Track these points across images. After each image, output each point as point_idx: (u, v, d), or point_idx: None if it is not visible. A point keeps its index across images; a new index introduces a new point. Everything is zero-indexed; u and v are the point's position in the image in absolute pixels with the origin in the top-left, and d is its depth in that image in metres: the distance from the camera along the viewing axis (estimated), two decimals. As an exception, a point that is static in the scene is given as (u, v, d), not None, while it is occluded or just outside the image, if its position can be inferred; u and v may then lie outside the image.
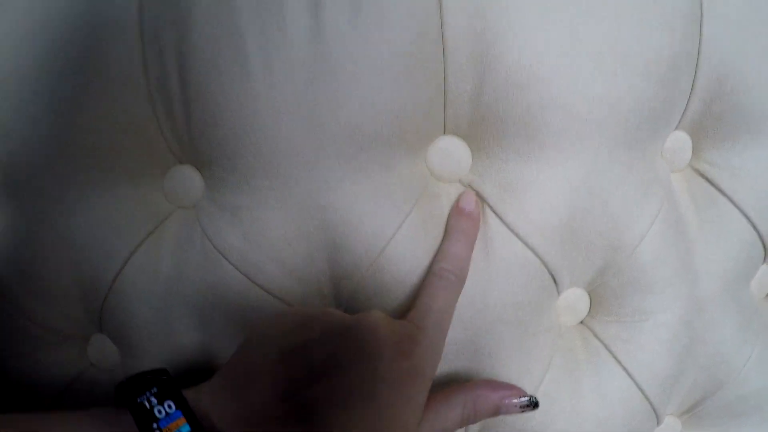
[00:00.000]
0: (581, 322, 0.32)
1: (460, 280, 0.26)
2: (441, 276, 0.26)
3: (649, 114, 0.28)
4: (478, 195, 0.28)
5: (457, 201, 0.27)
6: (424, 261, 0.27)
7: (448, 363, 0.27)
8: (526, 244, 0.27)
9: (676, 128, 0.31)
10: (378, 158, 0.26)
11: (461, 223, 0.27)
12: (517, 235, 0.27)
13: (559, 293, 0.29)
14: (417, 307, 0.25)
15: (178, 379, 0.21)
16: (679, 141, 0.32)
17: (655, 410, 0.32)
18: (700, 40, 0.29)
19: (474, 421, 0.26)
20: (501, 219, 0.27)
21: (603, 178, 0.28)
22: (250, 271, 0.26)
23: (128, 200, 0.28)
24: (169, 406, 0.18)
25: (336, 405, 0.19)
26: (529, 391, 0.28)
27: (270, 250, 0.26)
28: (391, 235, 0.26)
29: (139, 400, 0.18)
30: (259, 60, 0.25)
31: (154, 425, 0.17)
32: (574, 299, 0.31)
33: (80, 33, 0.27)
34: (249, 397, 0.20)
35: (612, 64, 0.27)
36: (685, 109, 0.30)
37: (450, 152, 0.28)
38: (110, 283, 0.28)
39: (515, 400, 0.26)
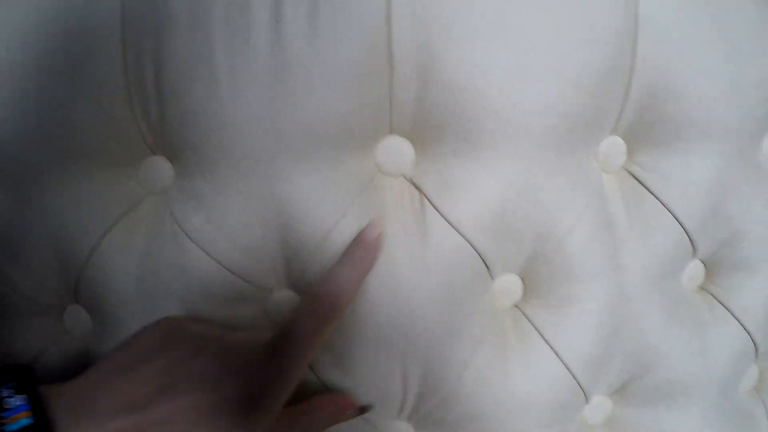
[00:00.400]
0: (516, 305, 0.35)
1: (335, 308, 0.27)
2: (311, 302, 0.27)
3: (580, 122, 0.31)
4: (419, 189, 0.31)
5: (363, 229, 0.29)
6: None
7: (384, 337, 0.30)
8: (459, 232, 0.30)
9: (611, 133, 0.34)
10: (327, 154, 0.29)
11: (357, 252, 0.28)
12: (451, 224, 0.30)
13: (492, 278, 0.33)
14: (280, 331, 0.26)
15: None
16: (613, 145, 0.35)
17: (582, 388, 0.35)
18: (634, 55, 0.32)
19: None
20: (438, 211, 0.30)
21: (534, 177, 0.31)
22: (212, 249, 0.30)
23: (105, 185, 0.31)
24: (22, 399, 0.20)
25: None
26: (459, 366, 0.31)
27: (229, 232, 0.30)
28: (336, 222, 0.29)
29: None
30: (225, 67, 0.28)
31: (2, 414, 0.19)
32: (508, 284, 0.34)
33: (69, 38, 0.30)
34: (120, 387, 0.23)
35: (546, 79, 0.30)
36: (618, 117, 0.33)
37: (395, 150, 0.31)
38: (86, 257, 0.31)
39: (348, 412, 0.29)
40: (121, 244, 0.31)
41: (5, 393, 0.20)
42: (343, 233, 0.29)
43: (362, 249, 0.28)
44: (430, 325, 0.31)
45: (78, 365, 0.32)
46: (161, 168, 0.31)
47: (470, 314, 0.32)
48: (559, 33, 0.30)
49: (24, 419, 0.19)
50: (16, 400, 0.19)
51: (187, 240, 0.30)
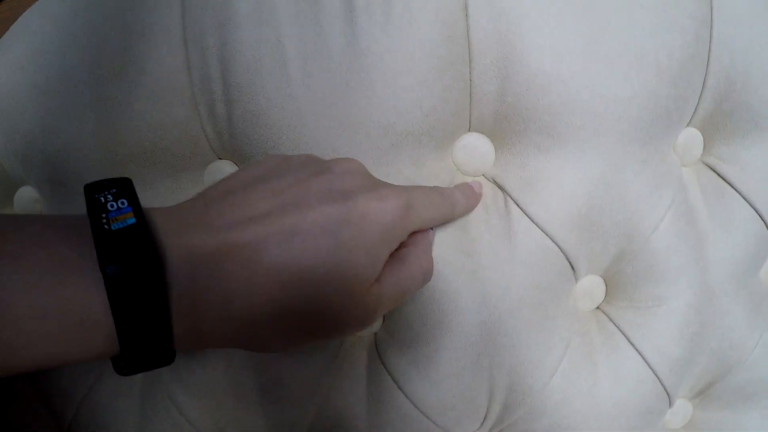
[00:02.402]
0: (598, 307, 0.33)
1: (451, 210, 0.26)
2: (441, 191, 0.26)
3: (662, 112, 0.30)
4: (501, 188, 0.29)
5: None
6: (443, 245, 0.28)
7: (472, 345, 0.29)
8: (545, 233, 0.29)
9: (688, 125, 0.33)
10: (408, 154, 0.28)
11: (466, 189, 0.28)
12: (537, 224, 0.29)
13: (576, 279, 0.31)
14: (404, 185, 0.24)
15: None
16: (690, 137, 0.33)
17: (667, 392, 0.33)
18: (710, 41, 0.30)
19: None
20: (522, 210, 0.29)
21: (619, 172, 0.30)
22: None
23: (171, 193, 0.30)
24: (122, 203, 0.17)
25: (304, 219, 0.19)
26: (547, 373, 0.30)
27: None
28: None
29: (96, 196, 0.18)
30: (297, 64, 0.26)
31: (104, 215, 0.17)
32: (591, 285, 0.32)
33: (125, 37, 0.28)
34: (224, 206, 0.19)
35: (627, 66, 0.28)
36: (696, 107, 0.32)
37: (475, 148, 0.29)
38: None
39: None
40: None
41: (109, 198, 0.18)
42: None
43: (470, 188, 0.28)
44: (518, 330, 0.29)
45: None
46: (228, 173, 0.30)
47: (556, 317, 0.30)
48: (638, 18, 0.28)
49: (129, 219, 0.17)
50: (119, 203, 0.17)
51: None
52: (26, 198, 0.35)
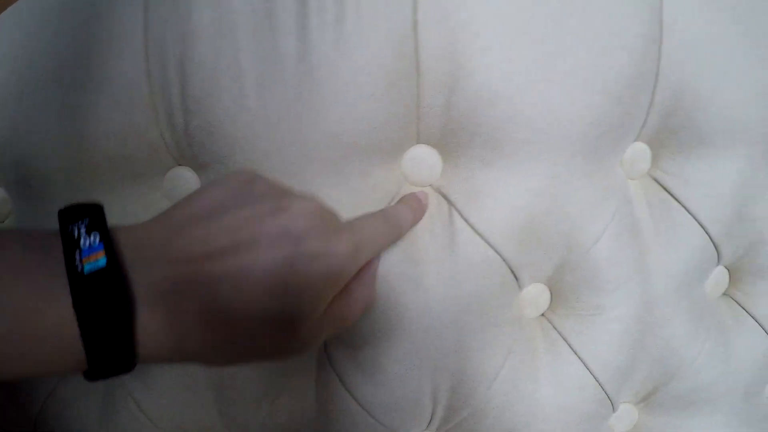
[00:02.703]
0: (542, 314, 0.35)
1: (399, 232, 0.28)
2: (379, 218, 0.27)
3: (607, 128, 0.31)
4: (446, 199, 0.31)
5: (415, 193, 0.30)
6: (389, 254, 0.30)
7: (416, 350, 0.30)
8: (488, 243, 0.30)
9: (636, 140, 0.34)
10: (356, 165, 0.29)
11: (412, 201, 0.29)
12: (480, 235, 0.30)
13: (520, 288, 0.32)
14: (354, 221, 0.25)
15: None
16: (638, 151, 0.34)
17: (609, 397, 0.35)
18: (659, 59, 0.31)
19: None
20: (466, 221, 0.30)
21: (562, 185, 0.31)
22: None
23: (131, 198, 0.31)
24: (94, 238, 0.19)
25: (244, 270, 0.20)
26: (490, 377, 0.31)
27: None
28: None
29: (69, 228, 0.19)
30: (253, 77, 0.28)
31: (77, 254, 0.18)
32: (536, 293, 0.33)
33: (90, 45, 0.29)
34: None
35: (573, 85, 0.29)
36: (644, 123, 0.33)
37: (422, 160, 0.31)
38: None
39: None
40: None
41: (82, 231, 0.19)
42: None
43: (416, 200, 0.29)
44: (461, 336, 0.30)
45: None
46: (187, 179, 0.31)
47: (499, 324, 0.31)
48: (585, 39, 0.30)
49: (101, 259, 0.18)
50: (90, 239, 0.19)
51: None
52: (-5, 198, 0.36)
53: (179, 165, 0.31)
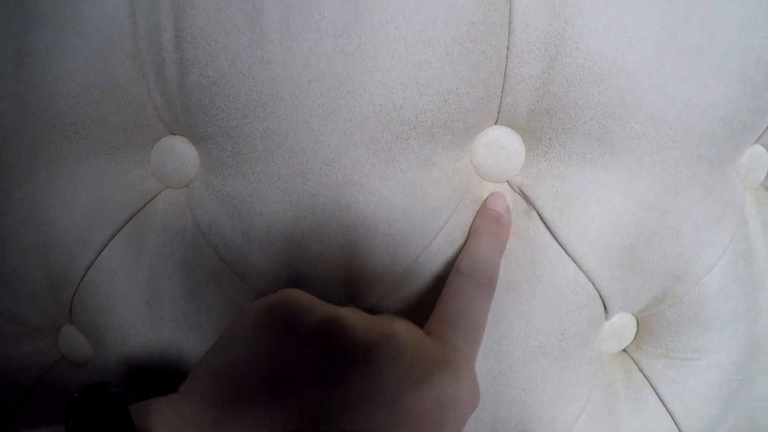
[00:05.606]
0: (624, 350, 0.28)
1: (492, 285, 0.21)
2: (472, 277, 0.21)
3: (738, 127, 0.23)
4: (528, 201, 0.23)
5: (485, 202, 0.23)
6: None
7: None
8: (580, 267, 0.23)
9: (755, 141, 0.26)
10: (416, 150, 0.21)
11: (490, 226, 0.22)
12: (570, 255, 0.23)
13: (607, 320, 0.25)
14: (445, 316, 0.20)
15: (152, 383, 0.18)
16: (755, 156, 0.27)
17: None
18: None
19: None
20: (553, 235, 0.23)
21: (678, 196, 0.23)
22: (250, 274, 0.22)
23: (107, 177, 0.24)
24: None
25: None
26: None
27: (273, 252, 0.22)
28: (425, 246, 0.22)
29: None
30: (276, 16, 0.20)
31: None
32: (621, 324, 0.27)
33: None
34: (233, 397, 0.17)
35: (707, 64, 0.21)
36: (772, 120, 0.25)
37: (500, 146, 0.23)
38: (82, 273, 0.24)
39: None
40: (126, 258, 0.23)
41: None
42: (431, 262, 0.22)
43: (495, 223, 0.22)
44: (532, 382, 0.23)
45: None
46: (182, 153, 0.23)
47: (577, 366, 0.25)
48: (728, 11, 0.21)
49: None
50: None
51: (214, 257, 0.22)
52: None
53: (171, 134, 0.24)
